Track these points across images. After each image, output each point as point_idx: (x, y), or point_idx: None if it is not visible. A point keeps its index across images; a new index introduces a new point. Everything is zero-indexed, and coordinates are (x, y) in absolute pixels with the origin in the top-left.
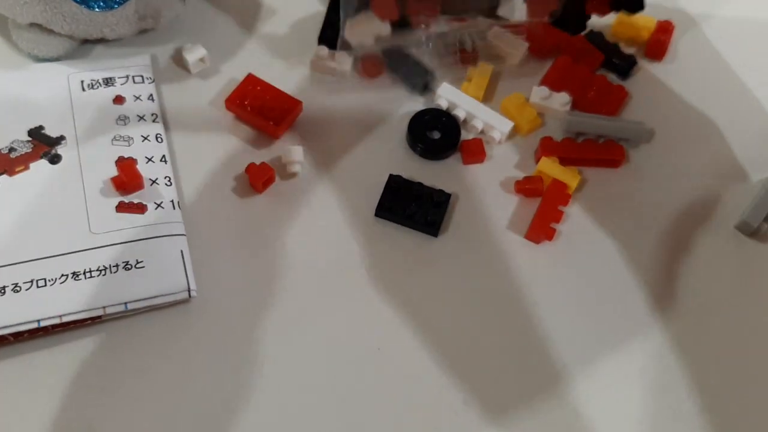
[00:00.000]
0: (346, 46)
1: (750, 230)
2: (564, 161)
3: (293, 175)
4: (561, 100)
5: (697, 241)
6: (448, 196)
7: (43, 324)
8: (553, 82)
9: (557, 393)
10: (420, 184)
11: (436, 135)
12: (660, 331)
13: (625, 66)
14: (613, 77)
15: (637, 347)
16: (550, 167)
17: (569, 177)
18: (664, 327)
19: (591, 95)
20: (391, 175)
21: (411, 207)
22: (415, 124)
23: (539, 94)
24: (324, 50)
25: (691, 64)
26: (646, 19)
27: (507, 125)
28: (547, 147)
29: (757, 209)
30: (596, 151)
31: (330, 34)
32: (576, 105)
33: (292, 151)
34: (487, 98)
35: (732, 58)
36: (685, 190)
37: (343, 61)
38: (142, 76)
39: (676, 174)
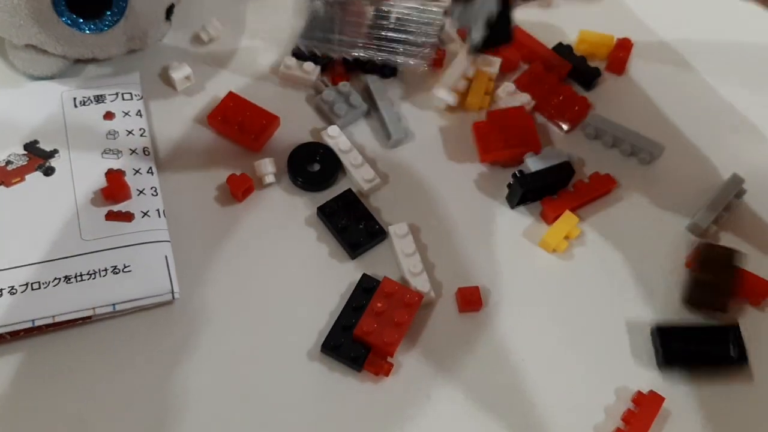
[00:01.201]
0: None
1: (700, 231)
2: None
3: (270, 184)
4: (523, 99)
5: (650, 244)
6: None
7: (37, 323)
8: (523, 85)
9: None
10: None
11: (316, 167)
12: None
13: (590, 77)
14: (578, 88)
15: None
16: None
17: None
18: None
19: (555, 102)
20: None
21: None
22: (294, 158)
23: (506, 89)
24: (292, 60)
25: (648, 78)
26: (606, 37)
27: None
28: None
29: (707, 212)
30: (591, 191)
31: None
32: (539, 108)
33: (263, 164)
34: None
35: (685, 74)
36: (640, 198)
37: (311, 71)
38: (130, 93)
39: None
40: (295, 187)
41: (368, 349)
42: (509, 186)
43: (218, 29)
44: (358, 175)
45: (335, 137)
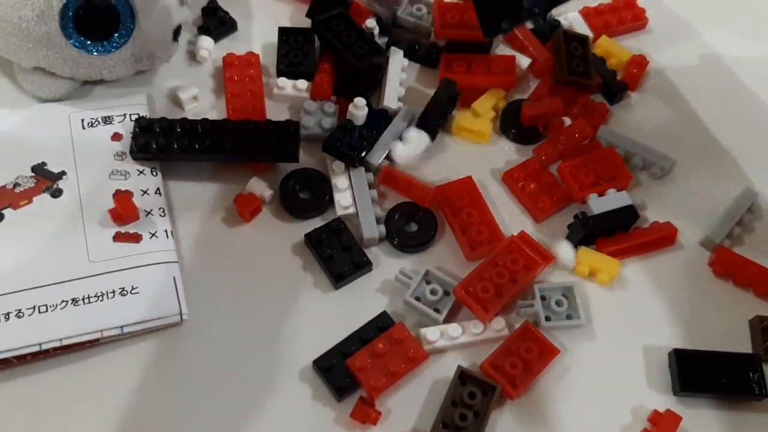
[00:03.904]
0: None
1: (713, 246)
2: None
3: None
4: None
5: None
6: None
7: (44, 347)
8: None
9: None
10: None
11: (307, 195)
12: None
13: (615, 92)
14: (601, 100)
15: None
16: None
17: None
18: None
19: (575, 112)
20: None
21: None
22: (285, 187)
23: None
24: (284, 81)
25: (660, 92)
26: (622, 50)
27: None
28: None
29: (720, 227)
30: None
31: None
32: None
33: (255, 184)
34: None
35: (698, 89)
36: (654, 213)
37: (302, 89)
38: (138, 114)
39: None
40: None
41: (356, 384)
42: (569, 227)
43: (208, 50)
44: (338, 200)
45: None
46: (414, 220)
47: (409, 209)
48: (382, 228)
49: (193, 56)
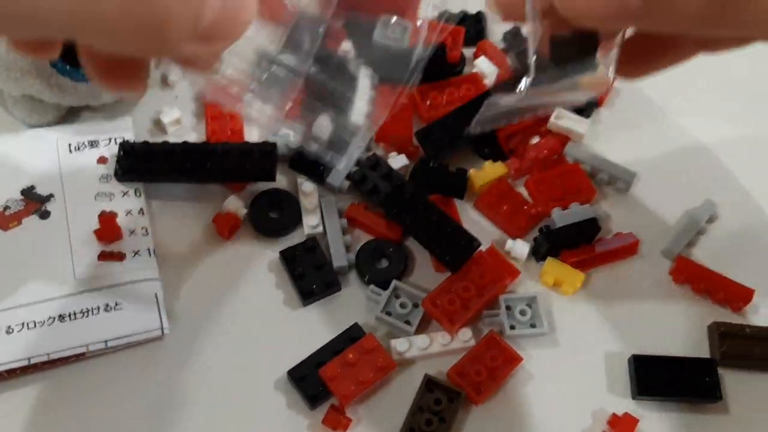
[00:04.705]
0: None
1: (673, 256)
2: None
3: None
4: None
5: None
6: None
7: (33, 361)
8: None
9: None
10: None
11: (276, 214)
12: None
13: (585, 108)
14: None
15: None
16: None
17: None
18: None
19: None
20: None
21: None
22: (255, 207)
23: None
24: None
25: (628, 113)
26: None
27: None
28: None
29: (681, 238)
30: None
31: None
32: None
33: (231, 202)
34: None
35: (662, 111)
36: (619, 225)
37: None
38: (123, 138)
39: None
40: None
41: (328, 392)
42: (535, 240)
43: (178, 74)
44: (306, 221)
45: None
46: (384, 256)
47: (379, 246)
48: (351, 256)
49: (165, 80)
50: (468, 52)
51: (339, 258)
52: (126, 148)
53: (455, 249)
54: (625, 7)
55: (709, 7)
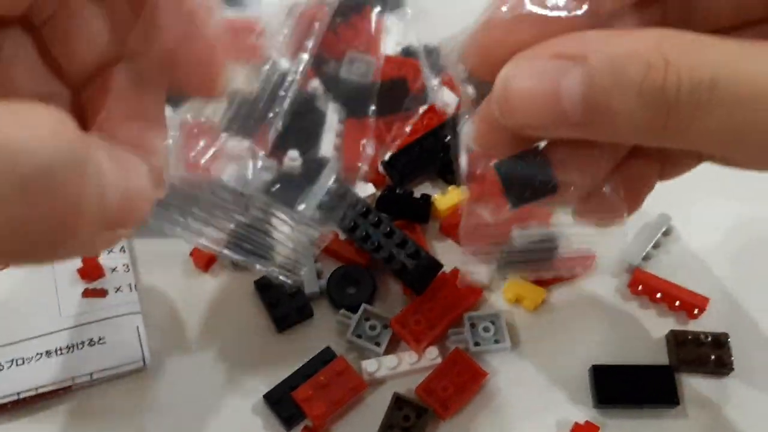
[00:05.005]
0: None
1: (630, 269)
2: None
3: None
4: None
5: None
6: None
7: (22, 396)
8: None
9: None
10: None
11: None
12: None
13: None
14: None
15: None
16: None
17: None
18: None
19: None
20: None
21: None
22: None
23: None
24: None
25: None
26: None
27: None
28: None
29: (637, 250)
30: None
31: None
32: None
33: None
34: None
35: None
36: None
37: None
38: None
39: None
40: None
41: (301, 414)
42: (497, 261)
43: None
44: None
45: None
46: (354, 281)
47: (348, 272)
48: (323, 282)
49: None
50: (436, 82)
51: (311, 285)
52: None
53: (419, 272)
54: (565, 116)
55: (653, 119)
